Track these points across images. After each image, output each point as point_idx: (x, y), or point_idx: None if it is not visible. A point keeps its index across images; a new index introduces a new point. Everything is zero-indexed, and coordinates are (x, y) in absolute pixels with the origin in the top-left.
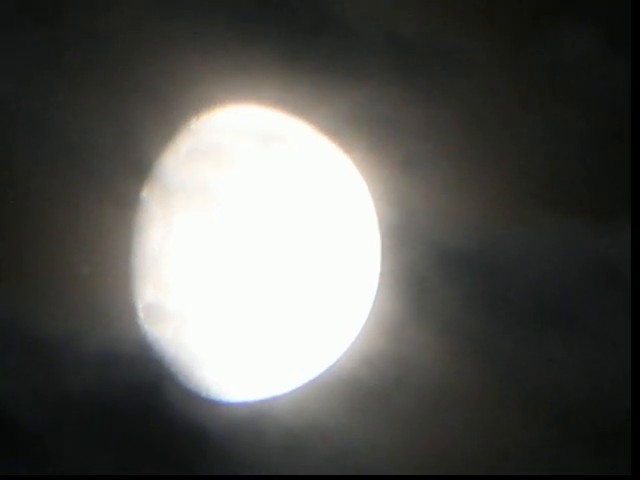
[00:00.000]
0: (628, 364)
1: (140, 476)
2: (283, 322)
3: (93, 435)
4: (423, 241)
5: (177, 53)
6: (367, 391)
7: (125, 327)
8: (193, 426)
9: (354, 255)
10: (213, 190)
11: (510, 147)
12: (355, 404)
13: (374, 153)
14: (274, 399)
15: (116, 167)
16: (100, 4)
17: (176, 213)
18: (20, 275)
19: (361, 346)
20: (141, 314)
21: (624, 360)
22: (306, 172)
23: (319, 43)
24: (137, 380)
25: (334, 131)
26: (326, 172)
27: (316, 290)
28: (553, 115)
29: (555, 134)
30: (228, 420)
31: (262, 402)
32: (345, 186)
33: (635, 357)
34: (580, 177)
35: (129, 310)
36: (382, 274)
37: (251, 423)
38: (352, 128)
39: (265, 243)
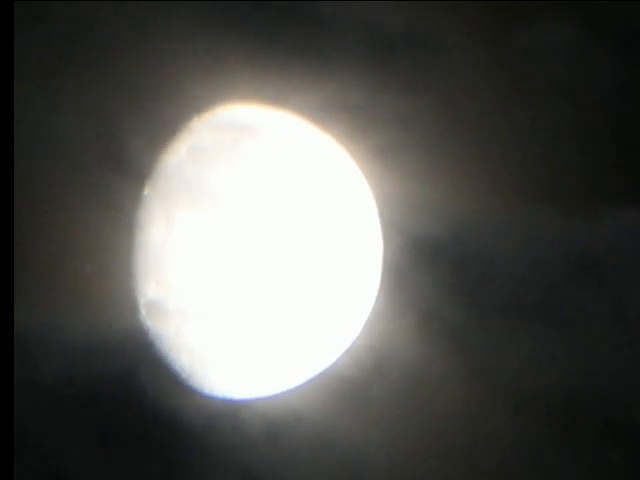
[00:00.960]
0: (610, 358)
1: (121, 467)
2: (283, 320)
3: (72, 426)
4: (398, 231)
5: (176, 52)
6: (346, 382)
7: (114, 317)
8: (173, 417)
9: (355, 251)
10: (214, 188)
11: (488, 137)
12: (334, 395)
13: (349, 142)
14: (270, 396)
15: (117, 166)
16: (100, 3)
17: (177, 211)
18: (22, 273)
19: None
20: (143, 311)
21: (606, 354)
22: (305, 169)
23: (294, 31)
24: (119, 370)
25: (309, 120)
26: (324, 170)
27: (314, 288)
28: (533, 107)
29: (534, 126)
30: (208, 411)
31: (261, 399)
32: (346, 184)
33: (618, 351)
34: (560, 169)
35: (131, 307)
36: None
37: (231, 414)
38: (327, 117)
39: (265, 241)
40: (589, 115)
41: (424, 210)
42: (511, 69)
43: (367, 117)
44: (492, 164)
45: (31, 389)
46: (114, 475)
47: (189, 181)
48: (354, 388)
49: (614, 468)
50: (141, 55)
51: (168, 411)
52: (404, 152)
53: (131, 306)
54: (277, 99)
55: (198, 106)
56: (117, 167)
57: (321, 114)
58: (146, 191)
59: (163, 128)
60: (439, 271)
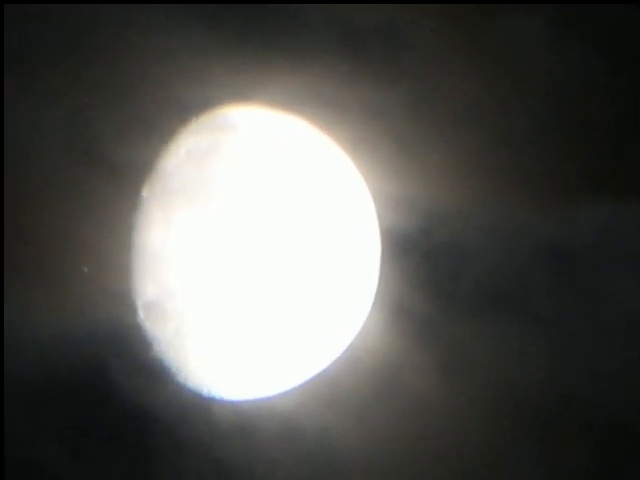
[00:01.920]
0: (583, 351)
1: (97, 459)
2: (280, 321)
3: (44, 418)
4: (369, 224)
5: (176, 55)
6: (316, 375)
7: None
8: (147, 411)
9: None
10: (213, 190)
11: (459, 131)
12: (304, 387)
13: (321, 133)
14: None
15: (116, 167)
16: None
17: (176, 212)
18: (21, 273)
19: None
20: (141, 312)
21: (578, 347)
22: (301, 170)
23: (267, 24)
24: (94, 365)
25: (281, 111)
26: (324, 173)
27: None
28: (506, 101)
29: (507, 119)
30: (181, 405)
31: (259, 401)
32: (344, 184)
33: (591, 344)
34: (534, 163)
35: (129, 308)
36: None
37: (204, 408)
38: (299, 109)
39: (262, 242)
40: (564, 109)
41: (395, 202)
42: (483, 62)
43: (338, 109)
44: (464, 157)
45: (9, 382)
46: (91, 466)
47: (187, 183)
48: (325, 380)
49: (585, 463)
50: (137, 58)
51: (143, 405)
52: (375, 144)
53: (129, 307)
54: (249, 91)
55: (194, 108)
56: (115, 169)
57: (293, 106)
58: (144, 193)
59: (162, 130)
60: (410, 264)
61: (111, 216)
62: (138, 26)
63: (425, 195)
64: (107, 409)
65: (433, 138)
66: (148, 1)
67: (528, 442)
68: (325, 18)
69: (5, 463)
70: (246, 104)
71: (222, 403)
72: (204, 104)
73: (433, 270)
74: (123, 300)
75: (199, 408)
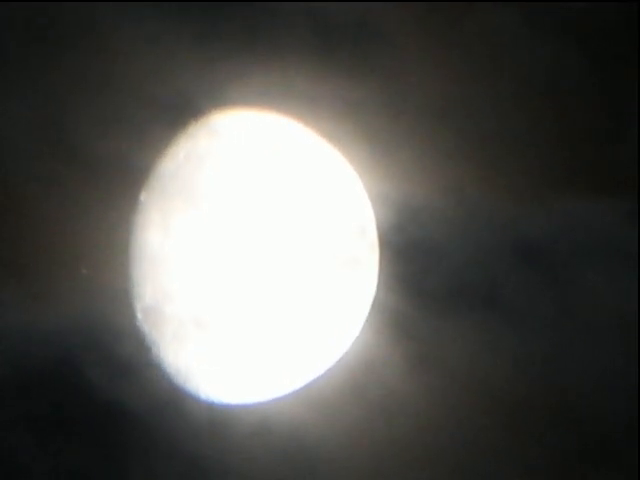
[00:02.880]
0: (555, 346)
1: (69, 453)
2: (279, 325)
3: (15, 412)
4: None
5: (175, 56)
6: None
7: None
8: (119, 405)
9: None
10: (211, 193)
11: (432, 125)
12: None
13: (295, 130)
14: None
15: (115, 170)
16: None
17: (174, 215)
18: (20, 276)
19: None
20: (139, 316)
21: (551, 342)
22: (303, 175)
23: (239, 18)
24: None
25: (251, 106)
26: (323, 175)
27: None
28: (479, 94)
29: (480, 114)
30: (153, 400)
31: (257, 405)
32: (339, 183)
33: (563, 339)
34: (506, 157)
35: (128, 312)
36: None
37: (176, 403)
38: (271, 103)
39: (261, 245)
40: (539, 104)
41: (368, 198)
42: (458, 57)
43: (312, 104)
44: (436, 152)
45: None
46: (64, 461)
47: (186, 186)
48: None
49: (558, 454)
50: (138, 59)
51: (115, 400)
52: (347, 138)
53: (128, 310)
54: (222, 86)
55: (168, 105)
56: (114, 172)
57: (265, 100)
58: (142, 196)
59: (161, 133)
60: (383, 259)
61: (109, 219)
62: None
63: (397, 190)
64: (80, 403)
65: (406, 133)
66: None
67: (502, 434)
68: (299, 12)
69: None
70: (221, 100)
71: (218, 406)
72: (177, 100)
73: (405, 265)
74: (121, 303)
75: (173, 403)
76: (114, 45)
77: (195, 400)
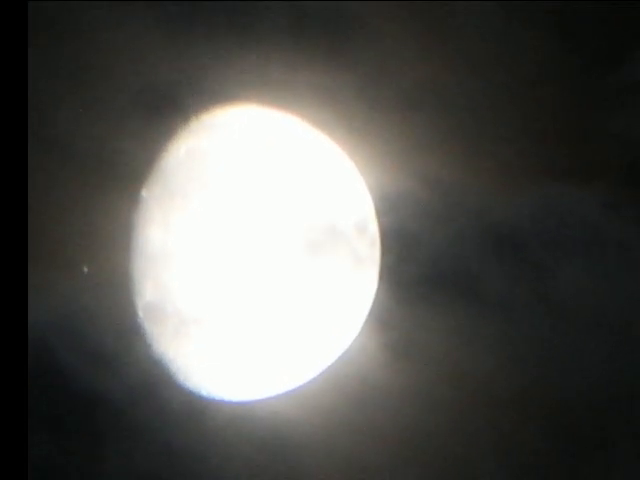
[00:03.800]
0: (531, 333)
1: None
2: (278, 322)
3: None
4: (316, 209)
5: (176, 55)
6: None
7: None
8: (98, 395)
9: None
10: (212, 190)
11: (409, 114)
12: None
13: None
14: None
15: (116, 167)
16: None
17: (176, 213)
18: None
19: None
20: (140, 313)
21: (527, 329)
22: (299, 169)
23: (215, 8)
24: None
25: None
26: (326, 171)
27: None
28: (457, 83)
29: (456, 102)
30: (132, 390)
31: (258, 401)
32: (340, 180)
33: (539, 326)
34: (483, 145)
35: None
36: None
37: (155, 393)
38: (246, 92)
39: (263, 242)
40: (515, 95)
41: (342, 187)
42: (434, 46)
43: (288, 93)
44: (413, 141)
45: None
46: (42, 451)
47: (186, 183)
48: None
49: (537, 445)
50: (141, 58)
51: (94, 390)
52: (324, 127)
53: (129, 307)
54: (198, 74)
55: (196, 109)
56: (113, 169)
57: (241, 88)
58: (143, 193)
59: (162, 130)
60: (357, 248)
61: (110, 216)
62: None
63: (374, 179)
64: (56, 393)
65: (382, 121)
66: None
67: (481, 423)
68: (276, 0)
69: None
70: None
71: (221, 403)
72: (152, 89)
73: (383, 253)
74: (123, 300)
75: (150, 393)
76: (108, 42)
77: (172, 391)
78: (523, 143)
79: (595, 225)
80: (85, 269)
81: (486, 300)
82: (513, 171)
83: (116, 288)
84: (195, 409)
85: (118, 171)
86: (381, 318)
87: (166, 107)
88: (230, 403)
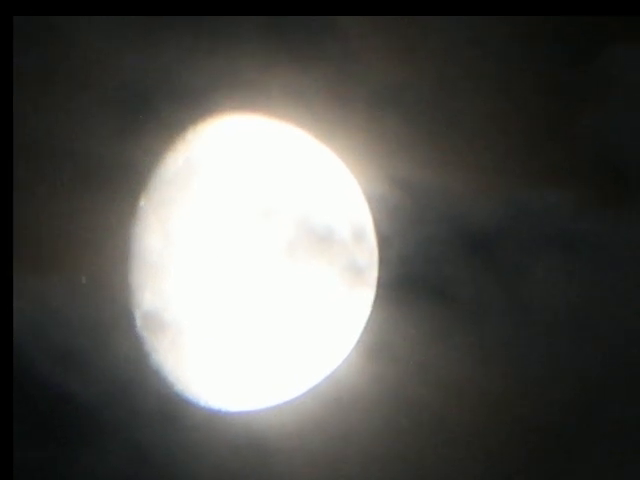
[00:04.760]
0: (502, 334)
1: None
2: (277, 332)
3: None
4: (286, 209)
5: (173, 63)
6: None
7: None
8: (68, 396)
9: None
10: (210, 199)
11: (380, 115)
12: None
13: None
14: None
15: (114, 176)
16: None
17: (174, 222)
18: (21, 279)
19: None
20: (139, 322)
21: (497, 331)
22: (301, 176)
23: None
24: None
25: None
26: (318, 171)
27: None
28: (426, 81)
29: (428, 101)
30: (103, 390)
31: (256, 412)
32: (336, 184)
33: (509, 328)
34: (454, 148)
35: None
36: None
37: (127, 394)
38: (217, 92)
39: (262, 251)
40: (488, 96)
41: (314, 188)
42: (406, 45)
43: (258, 90)
44: (384, 142)
45: None
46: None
47: (185, 192)
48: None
49: (507, 444)
50: (137, 67)
51: (64, 390)
52: (294, 126)
53: (127, 317)
54: (167, 75)
55: (194, 118)
56: (113, 177)
57: (211, 90)
58: (142, 202)
59: (160, 139)
60: (331, 250)
61: (108, 225)
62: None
63: (346, 180)
64: (27, 394)
65: (353, 123)
66: None
67: (454, 422)
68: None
69: None
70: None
71: (195, 406)
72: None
73: (354, 255)
74: (121, 310)
75: (122, 393)
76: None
77: (145, 392)
78: (495, 145)
79: (567, 226)
80: (83, 279)
81: (458, 302)
82: (485, 173)
83: (113, 297)
84: (168, 411)
85: (116, 180)
86: (353, 318)
87: (139, 110)
88: (206, 407)
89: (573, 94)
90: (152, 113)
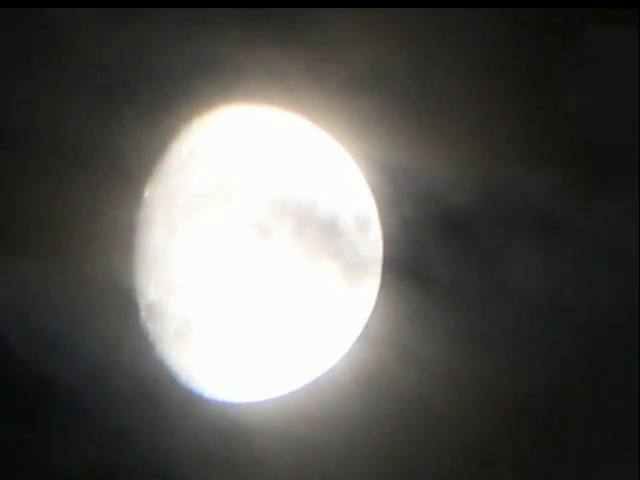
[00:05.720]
0: (479, 318)
1: None
2: (281, 324)
3: None
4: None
5: (178, 55)
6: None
7: None
8: (46, 380)
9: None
10: (215, 191)
11: (358, 95)
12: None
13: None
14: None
15: (119, 167)
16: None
17: (178, 213)
18: (25, 271)
19: None
20: (143, 313)
21: (474, 313)
22: (307, 168)
23: None
24: None
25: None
26: (323, 165)
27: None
28: (406, 61)
29: (408, 84)
30: (81, 374)
31: (257, 404)
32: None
33: (487, 310)
34: (432, 128)
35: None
36: None
37: (105, 377)
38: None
39: (266, 243)
40: (467, 77)
41: (287, 171)
42: (385, 26)
43: (235, 71)
44: (362, 123)
45: None
46: None
47: (189, 184)
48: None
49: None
50: (143, 59)
51: (41, 374)
52: (272, 106)
53: (131, 308)
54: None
55: (197, 109)
56: (117, 169)
57: (190, 70)
58: (146, 193)
59: (165, 131)
60: (310, 231)
61: (113, 216)
62: None
63: (325, 159)
64: (6, 381)
65: (331, 105)
66: None
67: (429, 404)
68: None
69: None
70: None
71: (220, 405)
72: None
73: (333, 237)
74: (125, 300)
75: (99, 377)
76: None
77: (124, 376)
78: (473, 126)
79: (546, 209)
80: (88, 269)
81: (435, 285)
82: (464, 155)
83: (117, 289)
84: (149, 395)
85: (121, 172)
86: (331, 300)
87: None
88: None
89: (555, 75)
90: (133, 96)
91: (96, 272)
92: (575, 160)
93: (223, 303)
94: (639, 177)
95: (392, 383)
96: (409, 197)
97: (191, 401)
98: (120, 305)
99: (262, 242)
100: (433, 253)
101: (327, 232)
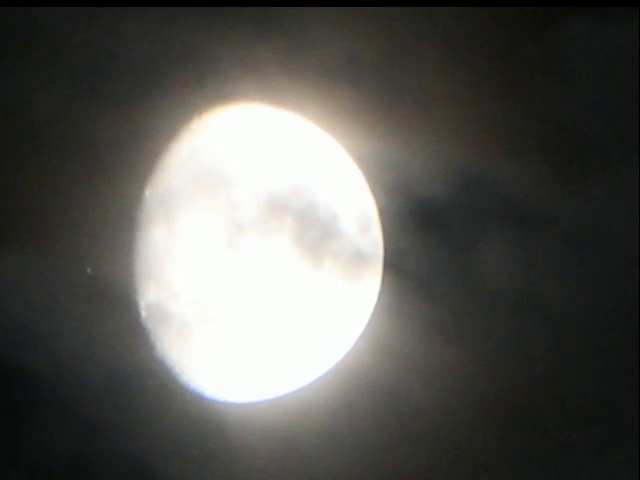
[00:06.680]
0: (453, 309)
1: None
2: (282, 323)
3: None
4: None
5: (178, 53)
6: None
7: None
8: (18, 371)
9: None
10: (215, 189)
11: (334, 83)
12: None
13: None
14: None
15: (119, 167)
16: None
17: (179, 212)
18: (26, 270)
19: None
20: (143, 313)
21: (447, 305)
22: (303, 166)
23: None
24: None
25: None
26: (325, 166)
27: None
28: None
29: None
30: (54, 365)
31: (260, 403)
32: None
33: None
34: (406, 116)
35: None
36: None
37: (76, 367)
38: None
39: (266, 243)
40: (444, 64)
41: (269, 164)
42: (361, 16)
43: (212, 65)
44: (335, 114)
45: None
46: None
47: (190, 183)
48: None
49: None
50: (143, 57)
51: (14, 365)
52: (248, 100)
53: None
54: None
55: (198, 107)
56: (118, 168)
57: (165, 61)
58: (147, 192)
59: (165, 129)
60: (283, 223)
61: (114, 216)
62: None
63: (297, 153)
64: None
65: (304, 94)
66: None
67: (406, 400)
68: None
69: None
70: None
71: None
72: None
73: (306, 229)
74: (126, 300)
75: (72, 369)
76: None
77: (98, 366)
78: (448, 117)
79: (522, 200)
80: (88, 270)
81: (408, 276)
82: (438, 144)
83: (118, 288)
84: (122, 385)
85: (121, 170)
86: (303, 292)
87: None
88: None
89: (529, 67)
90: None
91: (96, 272)
92: (549, 152)
93: (223, 303)
94: (614, 169)
95: (366, 373)
96: (382, 188)
97: (170, 393)
98: (120, 305)
99: (262, 242)
100: (406, 244)
101: (327, 232)
